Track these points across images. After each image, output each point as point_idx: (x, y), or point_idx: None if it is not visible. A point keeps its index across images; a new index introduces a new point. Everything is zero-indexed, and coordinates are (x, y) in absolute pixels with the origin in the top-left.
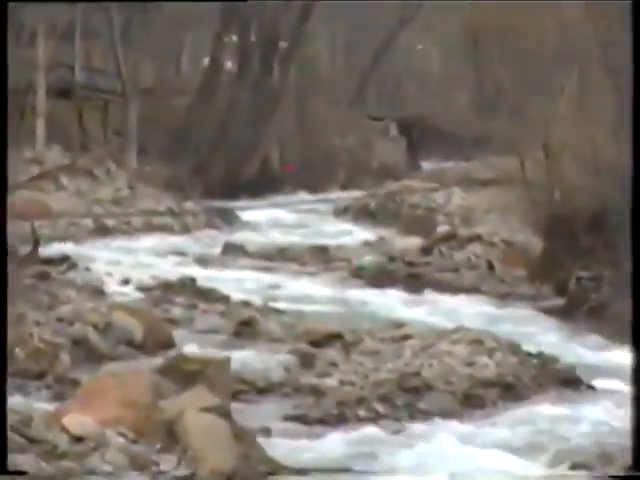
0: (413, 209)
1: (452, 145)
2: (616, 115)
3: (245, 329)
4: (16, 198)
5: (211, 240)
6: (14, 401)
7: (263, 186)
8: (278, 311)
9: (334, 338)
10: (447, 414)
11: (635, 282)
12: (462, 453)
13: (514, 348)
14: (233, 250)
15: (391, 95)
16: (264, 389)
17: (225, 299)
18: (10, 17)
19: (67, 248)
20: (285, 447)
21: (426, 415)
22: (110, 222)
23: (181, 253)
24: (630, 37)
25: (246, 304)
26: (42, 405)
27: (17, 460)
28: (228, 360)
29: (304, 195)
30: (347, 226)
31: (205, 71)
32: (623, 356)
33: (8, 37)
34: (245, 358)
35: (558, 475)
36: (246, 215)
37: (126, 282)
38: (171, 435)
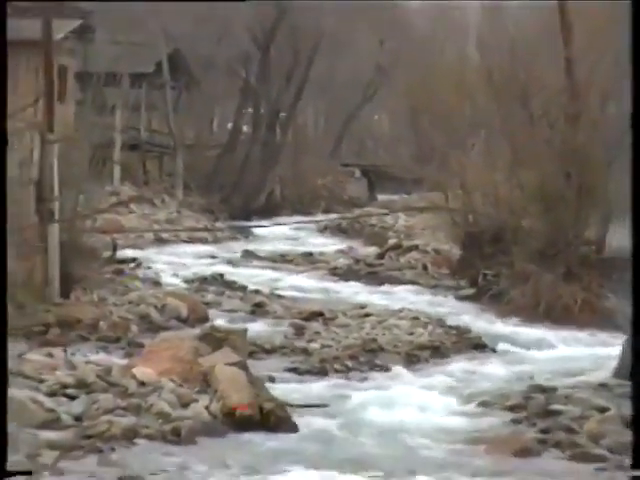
0: (372, 228)
1: (398, 184)
2: (509, 165)
3: (257, 309)
4: (101, 219)
5: (234, 248)
6: (99, 357)
7: (269, 211)
8: (280, 297)
9: (318, 315)
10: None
11: (635, 281)
12: (406, 393)
13: (441, 323)
14: (249, 255)
15: (356, 149)
16: (270, 350)
17: (243, 288)
18: (97, 96)
19: (135, 253)
20: (284, 389)
21: (381, 368)
22: (164, 235)
23: (213, 256)
24: (629, 37)
25: (257, 292)
26: (118, 360)
27: (100, 397)
28: (245, 330)
29: (297, 217)
30: (326, 239)
31: (229, 132)
32: (512, 328)
33: (97, 110)
34: (257, 329)
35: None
36: (257, 231)
37: (175, 276)
38: (206, 381)
